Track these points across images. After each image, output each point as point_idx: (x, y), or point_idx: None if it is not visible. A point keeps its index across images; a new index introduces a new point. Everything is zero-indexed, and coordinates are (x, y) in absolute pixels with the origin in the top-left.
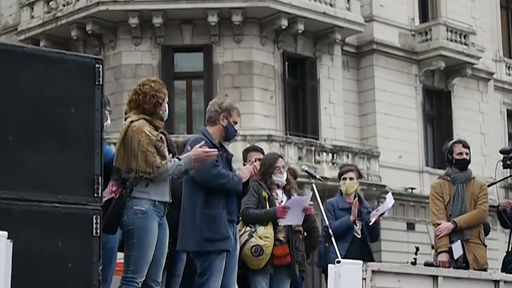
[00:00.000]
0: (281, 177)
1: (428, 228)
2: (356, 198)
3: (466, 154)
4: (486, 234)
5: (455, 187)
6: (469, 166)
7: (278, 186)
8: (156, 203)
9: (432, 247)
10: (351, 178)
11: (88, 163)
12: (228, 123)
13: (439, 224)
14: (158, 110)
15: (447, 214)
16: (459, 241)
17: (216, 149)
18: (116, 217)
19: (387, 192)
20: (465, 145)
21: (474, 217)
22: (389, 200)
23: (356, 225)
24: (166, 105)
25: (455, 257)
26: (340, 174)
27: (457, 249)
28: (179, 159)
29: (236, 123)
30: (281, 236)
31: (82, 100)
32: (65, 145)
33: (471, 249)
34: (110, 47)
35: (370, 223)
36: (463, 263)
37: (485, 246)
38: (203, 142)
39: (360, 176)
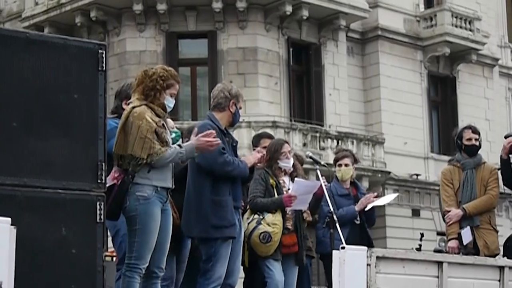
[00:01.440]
0: (287, 163)
1: (433, 215)
2: (373, 193)
3: (476, 140)
4: None
5: (465, 173)
6: None
7: (285, 173)
8: (159, 189)
9: (437, 233)
10: (346, 165)
11: (91, 149)
12: (236, 110)
13: (449, 211)
14: (157, 95)
15: (457, 200)
16: (468, 227)
17: (219, 138)
18: (118, 204)
19: (392, 179)
20: (475, 131)
21: (484, 203)
22: (389, 197)
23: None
24: (171, 98)
25: (464, 243)
26: (336, 160)
27: (466, 235)
28: (181, 147)
29: (240, 108)
30: (289, 224)
31: (85, 86)
32: (69, 131)
33: (482, 235)
34: (115, 33)
35: (366, 209)
36: (473, 249)
37: (497, 231)
38: (209, 131)
39: (356, 161)
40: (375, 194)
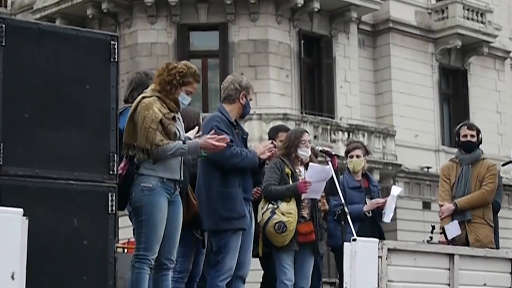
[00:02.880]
0: (306, 151)
1: None
2: (382, 201)
3: (471, 136)
4: (496, 212)
5: (461, 168)
6: (486, 145)
7: (301, 162)
8: (165, 180)
9: None
10: (357, 156)
11: (103, 141)
12: (246, 101)
13: (442, 206)
14: (172, 90)
15: (451, 195)
16: (455, 222)
17: (228, 130)
18: (123, 193)
19: (403, 172)
20: (470, 128)
21: (476, 198)
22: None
23: (366, 203)
24: (186, 95)
25: (449, 237)
26: (347, 152)
27: (451, 229)
28: (184, 143)
29: (251, 100)
30: (305, 213)
31: (97, 77)
32: (81, 122)
33: (473, 229)
34: (126, 25)
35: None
36: (465, 243)
37: (491, 226)
38: (212, 131)
39: (367, 153)
40: (384, 200)
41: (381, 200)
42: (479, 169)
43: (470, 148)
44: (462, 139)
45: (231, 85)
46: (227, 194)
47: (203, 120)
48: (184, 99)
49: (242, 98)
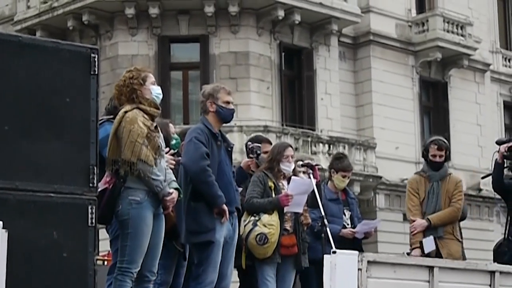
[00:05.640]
0: (288, 166)
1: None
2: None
3: (440, 157)
4: (461, 220)
5: (431, 184)
6: (466, 158)
7: (284, 177)
8: (151, 193)
9: None
10: (349, 177)
11: (83, 153)
12: (217, 107)
13: (414, 221)
14: (140, 94)
15: (421, 210)
16: (431, 236)
17: (209, 141)
18: (110, 208)
19: (383, 184)
20: (440, 148)
21: (448, 215)
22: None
23: (345, 215)
24: (153, 87)
25: (426, 252)
26: (342, 169)
27: (428, 244)
28: (165, 181)
29: (228, 102)
30: (288, 225)
31: (77, 89)
32: (61, 135)
33: (445, 245)
34: (107, 37)
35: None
36: (435, 257)
37: (460, 241)
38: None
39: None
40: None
41: (355, 230)
42: (447, 185)
43: (438, 167)
44: (431, 158)
45: (200, 98)
46: (196, 208)
47: (185, 134)
48: (156, 90)
49: (211, 106)
